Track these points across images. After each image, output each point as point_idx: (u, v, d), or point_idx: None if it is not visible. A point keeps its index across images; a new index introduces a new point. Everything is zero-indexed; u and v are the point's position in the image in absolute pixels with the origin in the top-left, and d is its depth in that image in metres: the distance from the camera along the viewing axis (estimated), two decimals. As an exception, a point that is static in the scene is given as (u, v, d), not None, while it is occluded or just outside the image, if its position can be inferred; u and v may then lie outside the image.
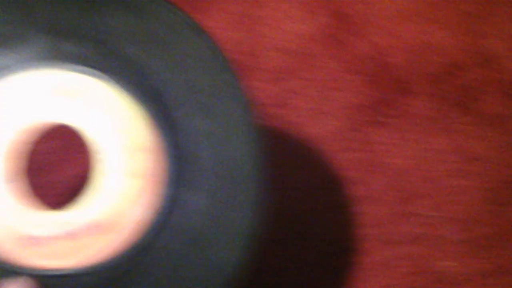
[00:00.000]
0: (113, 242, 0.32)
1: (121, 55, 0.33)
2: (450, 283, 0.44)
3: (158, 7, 0.33)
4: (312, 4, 0.55)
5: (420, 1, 0.55)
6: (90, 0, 0.33)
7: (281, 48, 0.54)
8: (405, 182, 0.48)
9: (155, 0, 0.33)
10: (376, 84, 0.52)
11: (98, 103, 0.33)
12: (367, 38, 0.54)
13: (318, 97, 0.52)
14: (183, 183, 0.32)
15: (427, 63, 0.53)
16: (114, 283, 0.32)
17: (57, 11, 0.33)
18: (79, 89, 0.33)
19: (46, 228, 0.32)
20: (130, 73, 0.33)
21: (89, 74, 0.32)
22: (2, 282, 0.31)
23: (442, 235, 0.46)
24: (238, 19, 0.55)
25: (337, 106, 0.51)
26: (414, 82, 0.52)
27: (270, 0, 0.55)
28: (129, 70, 0.33)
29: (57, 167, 0.48)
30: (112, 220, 0.32)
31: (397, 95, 0.51)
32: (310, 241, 0.46)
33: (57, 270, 0.31)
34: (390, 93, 0.52)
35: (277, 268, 0.44)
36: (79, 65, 0.32)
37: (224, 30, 0.55)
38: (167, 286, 0.32)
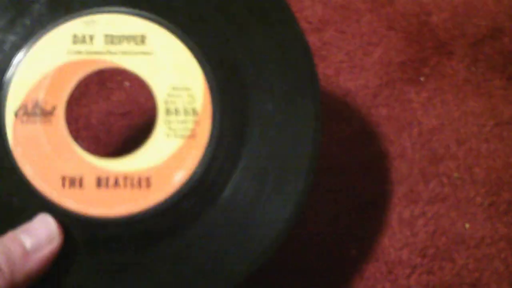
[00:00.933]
0: (150, 197, 0.32)
1: (210, 23, 0.33)
2: (472, 246, 0.45)
3: None
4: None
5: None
6: None
7: (322, -2, 0.54)
8: (437, 142, 0.48)
9: None
10: (415, 42, 0.52)
11: (169, 58, 0.32)
12: (410, -5, 0.53)
13: (356, 51, 0.51)
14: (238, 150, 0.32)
15: (469, 24, 0.52)
16: (149, 237, 0.32)
17: None
18: (159, 43, 0.33)
19: (87, 171, 0.32)
20: (214, 43, 0.33)
21: (166, 27, 0.32)
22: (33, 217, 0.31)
23: (468, 197, 0.46)
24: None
25: (374, 62, 0.51)
26: (454, 43, 0.52)
27: None
28: (214, 39, 0.33)
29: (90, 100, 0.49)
30: (155, 175, 0.32)
31: (436, 55, 0.51)
32: (338, 194, 0.46)
33: (91, 216, 0.32)
34: (429, 52, 0.51)
35: (306, 220, 0.45)
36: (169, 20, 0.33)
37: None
38: (221, 243, 0.33)
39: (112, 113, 0.48)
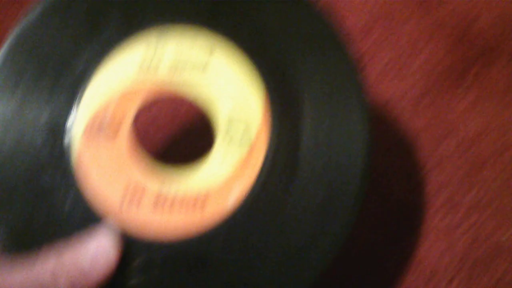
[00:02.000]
0: (205, 219, 0.33)
1: (270, 45, 0.34)
2: (510, 257, 0.44)
3: (313, 12, 0.34)
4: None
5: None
6: None
7: (364, 7, 0.54)
8: (476, 149, 0.48)
9: (309, 4, 0.34)
10: (458, 49, 0.51)
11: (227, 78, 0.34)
12: (454, 2, 0.53)
13: (397, 59, 0.52)
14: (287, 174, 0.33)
15: (513, 32, 0.52)
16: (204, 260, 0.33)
17: None
18: (221, 69, 0.34)
19: (146, 190, 0.33)
20: (277, 69, 0.34)
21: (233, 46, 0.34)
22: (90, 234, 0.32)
23: (508, 206, 0.46)
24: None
25: (415, 70, 0.51)
26: (498, 51, 0.51)
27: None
28: (275, 60, 0.34)
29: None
30: (208, 198, 0.33)
31: (478, 64, 0.51)
32: (377, 203, 0.46)
33: (147, 238, 0.32)
34: (471, 60, 0.51)
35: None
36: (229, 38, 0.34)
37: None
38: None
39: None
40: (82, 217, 0.32)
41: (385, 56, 0.52)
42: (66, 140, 0.33)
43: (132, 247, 0.32)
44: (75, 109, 0.33)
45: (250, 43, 0.34)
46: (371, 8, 0.54)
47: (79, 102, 0.33)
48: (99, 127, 0.33)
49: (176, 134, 0.50)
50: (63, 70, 0.34)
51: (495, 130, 0.48)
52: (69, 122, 0.33)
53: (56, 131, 0.33)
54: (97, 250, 0.31)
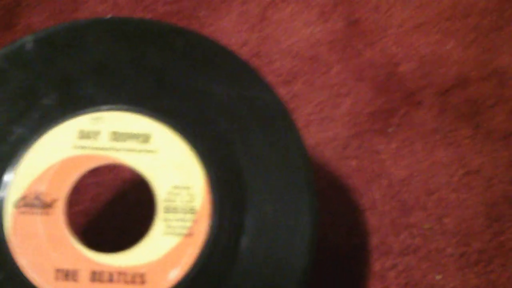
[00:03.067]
0: None
1: (213, 124, 0.34)
2: (445, 296, 0.45)
3: (260, 88, 0.34)
4: (326, 10, 0.55)
5: (433, 12, 0.55)
6: (201, 64, 0.34)
7: (290, 51, 0.54)
8: (406, 193, 0.48)
9: (258, 81, 0.34)
10: (384, 92, 0.52)
11: (174, 160, 0.33)
12: (379, 46, 0.54)
13: (324, 102, 0.52)
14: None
15: (436, 74, 0.53)
16: None
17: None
18: (162, 143, 0.33)
19: (82, 265, 0.32)
20: (216, 144, 0.34)
21: (170, 127, 0.33)
22: None
23: (439, 248, 0.46)
24: (251, 20, 0.55)
25: (343, 113, 0.51)
26: (422, 93, 0.52)
27: (284, 2, 0.55)
28: (216, 141, 0.34)
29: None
30: (150, 272, 0.32)
31: (404, 105, 0.52)
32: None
33: None
34: (397, 102, 0.52)
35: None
36: (171, 119, 0.33)
37: (235, 30, 0.55)
38: None
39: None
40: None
41: (314, 99, 0.52)
42: None
43: None
44: (9, 179, 0.32)
45: (189, 126, 0.34)
46: (297, 52, 0.54)
47: (11, 175, 0.32)
48: (35, 199, 0.32)
49: (116, 206, 0.48)
50: None
51: (424, 172, 0.49)
52: (2, 194, 0.32)
53: None
54: None
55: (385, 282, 0.45)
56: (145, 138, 0.33)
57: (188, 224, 0.32)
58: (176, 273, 0.32)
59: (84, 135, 0.33)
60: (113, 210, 0.47)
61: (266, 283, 0.33)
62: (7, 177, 0.32)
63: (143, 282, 0.32)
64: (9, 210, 0.32)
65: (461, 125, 0.51)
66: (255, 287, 0.33)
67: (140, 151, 0.33)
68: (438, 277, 0.45)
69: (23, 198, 0.32)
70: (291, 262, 0.33)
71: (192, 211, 0.33)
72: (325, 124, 0.51)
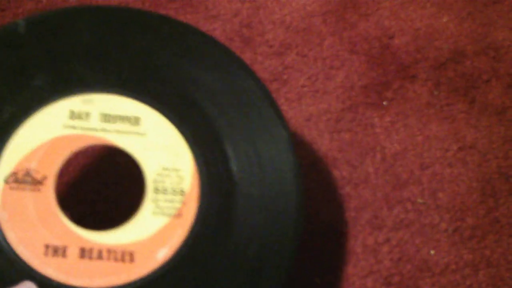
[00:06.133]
0: (133, 271, 0.32)
1: (200, 109, 0.35)
2: (437, 273, 0.44)
3: (243, 75, 0.35)
4: (319, -21, 0.54)
5: (429, -16, 0.54)
6: (187, 51, 0.36)
7: (284, 22, 0.53)
8: (400, 167, 0.47)
9: (242, 68, 0.36)
10: (378, 65, 0.51)
11: (159, 138, 0.34)
12: (373, 19, 0.53)
13: (317, 75, 0.51)
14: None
15: (431, 48, 0.52)
16: None
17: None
18: (151, 125, 0.34)
19: (71, 242, 0.32)
20: (203, 128, 0.35)
21: (159, 110, 0.34)
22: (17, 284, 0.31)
23: (432, 223, 0.46)
24: (242, -11, 0.53)
25: (336, 85, 0.50)
26: (416, 67, 0.51)
27: (276, -29, 0.54)
28: (203, 125, 0.35)
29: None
30: (139, 251, 0.33)
31: (398, 79, 0.51)
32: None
33: (72, 286, 0.32)
34: (391, 76, 0.51)
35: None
36: (155, 101, 0.35)
37: (227, 1, 0.53)
38: None
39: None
40: (5, 265, 0.31)
41: (306, 72, 0.51)
42: None
43: None
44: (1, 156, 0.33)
45: (177, 110, 0.35)
46: (290, 23, 0.53)
47: (3, 148, 0.33)
48: (25, 175, 0.32)
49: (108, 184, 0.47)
50: None
51: (418, 146, 0.48)
52: None
53: None
54: None
55: (378, 256, 0.44)
56: (135, 121, 0.34)
57: (177, 205, 0.33)
58: (165, 253, 0.32)
59: (75, 115, 0.33)
60: (103, 189, 0.46)
61: (254, 263, 0.33)
62: None
63: (132, 260, 0.32)
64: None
65: (456, 99, 0.50)
66: (243, 267, 0.33)
67: (129, 133, 0.34)
68: (432, 252, 0.44)
69: (14, 174, 0.32)
70: (280, 241, 0.34)
71: (181, 192, 0.33)
72: (318, 96, 0.50)
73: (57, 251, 0.32)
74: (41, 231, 0.32)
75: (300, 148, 0.47)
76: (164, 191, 0.33)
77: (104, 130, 0.34)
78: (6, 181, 0.32)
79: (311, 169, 0.47)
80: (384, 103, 0.50)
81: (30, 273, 0.31)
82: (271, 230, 0.34)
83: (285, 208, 0.34)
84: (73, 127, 0.33)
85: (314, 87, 0.50)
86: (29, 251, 0.32)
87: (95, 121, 0.34)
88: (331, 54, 0.51)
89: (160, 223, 0.33)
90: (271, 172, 0.34)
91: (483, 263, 0.44)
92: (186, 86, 0.35)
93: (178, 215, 0.33)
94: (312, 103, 0.49)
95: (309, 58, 0.51)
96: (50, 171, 0.33)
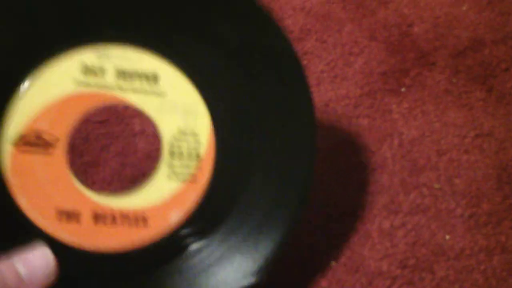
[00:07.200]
0: (146, 235, 0.32)
1: (223, 70, 0.33)
2: (452, 258, 0.44)
3: (273, 35, 0.33)
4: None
5: (449, -28, 0.55)
6: (215, 5, 0.32)
7: (304, 8, 0.53)
8: (417, 152, 0.48)
9: (272, 27, 0.33)
10: (397, 52, 0.52)
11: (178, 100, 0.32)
12: (393, 6, 0.53)
13: (336, 61, 0.51)
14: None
15: (450, 36, 0.52)
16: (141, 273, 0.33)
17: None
18: (170, 85, 0.32)
19: (84, 207, 0.31)
20: (225, 92, 0.33)
21: (180, 67, 0.32)
22: (26, 246, 0.30)
23: (449, 208, 0.46)
24: (263, -26, 0.54)
25: (355, 72, 0.51)
26: (435, 54, 0.52)
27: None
28: (225, 88, 0.33)
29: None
30: (153, 215, 0.32)
31: (417, 66, 0.51)
32: (317, 205, 0.46)
33: (86, 250, 0.31)
34: (410, 63, 0.51)
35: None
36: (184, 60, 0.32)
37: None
38: None
39: (89, 121, 0.48)
40: (18, 230, 0.30)
41: (325, 57, 0.51)
42: None
43: (72, 257, 0.31)
44: (8, 117, 0.30)
45: (199, 69, 0.32)
46: (309, 9, 0.53)
47: (11, 112, 0.30)
48: (36, 138, 0.30)
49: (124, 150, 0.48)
50: None
51: (436, 132, 0.48)
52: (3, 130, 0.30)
53: None
54: (37, 263, 0.29)
55: (393, 240, 0.45)
56: (153, 79, 0.31)
57: (192, 170, 0.32)
58: (178, 218, 0.32)
59: (89, 70, 0.30)
60: (122, 160, 0.46)
61: (265, 226, 0.34)
62: (6, 114, 0.30)
63: (145, 225, 0.32)
64: (9, 149, 0.30)
65: (474, 87, 0.50)
66: (253, 231, 0.33)
67: (147, 92, 0.31)
68: (447, 237, 0.45)
69: (23, 136, 0.30)
70: (291, 206, 0.34)
71: (197, 157, 0.32)
72: (337, 82, 0.50)
73: (71, 217, 0.31)
74: (53, 196, 0.31)
75: (318, 133, 0.48)
76: (180, 155, 0.32)
77: (120, 88, 0.31)
78: (16, 145, 0.30)
79: (329, 154, 0.48)
80: (402, 89, 0.50)
81: (44, 239, 0.30)
82: (283, 197, 0.34)
83: (298, 176, 0.34)
84: (87, 84, 0.30)
85: (333, 72, 0.51)
86: (42, 217, 0.30)
87: (110, 78, 0.31)
88: (350, 40, 0.52)
89: (174, 188, 0.32)
90: (290, 141, 0.34)
91: (497, 249, 0.45)
92: (211, 43, 0.32)
93: (193, 180, 0.32)
94: (331, 89, 0.50)
95: (329, 44, 0.52)
96: (62, 133, 0.30)
